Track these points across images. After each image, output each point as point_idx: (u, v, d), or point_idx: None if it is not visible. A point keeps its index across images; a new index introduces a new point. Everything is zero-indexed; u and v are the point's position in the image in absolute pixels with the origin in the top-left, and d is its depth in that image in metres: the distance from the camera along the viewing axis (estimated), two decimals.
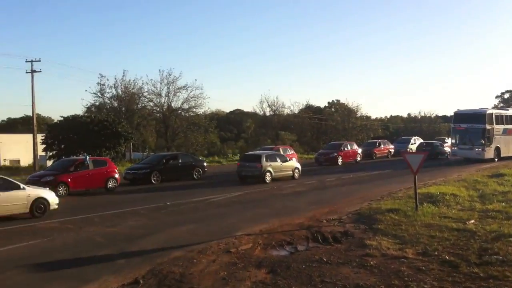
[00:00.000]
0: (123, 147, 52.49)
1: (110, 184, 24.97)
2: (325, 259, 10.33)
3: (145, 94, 64.31)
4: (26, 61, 49.23)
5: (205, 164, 33.50)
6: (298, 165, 30.69)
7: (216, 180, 30.20)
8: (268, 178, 27.49)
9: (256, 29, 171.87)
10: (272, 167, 27.94)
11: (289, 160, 30.51)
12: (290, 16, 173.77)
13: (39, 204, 17.19)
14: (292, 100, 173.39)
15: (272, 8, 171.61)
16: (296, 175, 29.50)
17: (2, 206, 16.32)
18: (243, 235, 13.08)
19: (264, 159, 27.78)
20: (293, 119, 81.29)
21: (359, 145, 48.26)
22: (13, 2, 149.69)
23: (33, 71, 48.81)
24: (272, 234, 13.28)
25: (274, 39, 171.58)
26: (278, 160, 29.01)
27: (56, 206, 17.75)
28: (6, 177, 17.85)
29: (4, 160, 61.49)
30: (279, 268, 9.76)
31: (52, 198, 17.78)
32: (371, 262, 9.95)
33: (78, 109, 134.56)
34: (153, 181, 28.56)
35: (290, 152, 39.62)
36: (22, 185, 17.41)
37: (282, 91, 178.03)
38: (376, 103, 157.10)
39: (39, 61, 49.50)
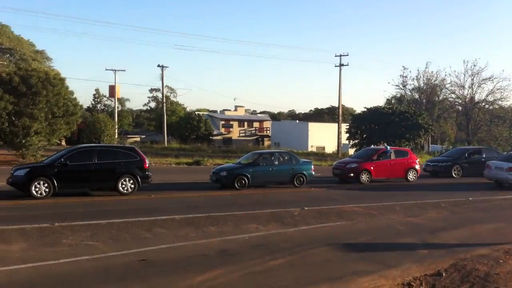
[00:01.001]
0: (423, 139, 52.18)
1: (410, 175, 25.18)
2: None
3: (447, 85, 62.82)
4: (335, 56, 52.75)
5: None
6: None
7: None
8: None
9: None
10: None
11: None
12: None
13: None
14: None
15: None
16: None
17: None
18: None
19: None
20: None
21: None
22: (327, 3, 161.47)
23: (341, 65, 51.97)
24: None
25: None
26: None
27: None
28: None
29: (312, 146, 67.11)
30: None
31: None
32: None
33: (379, 101, 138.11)
34: (453, 175, 27.88)
35: None
36: None
37: None
38: None
39: (347, 55, 52.53)
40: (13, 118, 29.98)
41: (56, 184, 16.85)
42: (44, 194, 16.70)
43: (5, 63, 52.05)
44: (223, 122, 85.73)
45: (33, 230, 11.66)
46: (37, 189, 16.64)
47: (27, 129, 30.00)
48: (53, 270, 8.64)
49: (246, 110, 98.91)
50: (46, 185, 16.75)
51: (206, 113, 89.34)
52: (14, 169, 17.92)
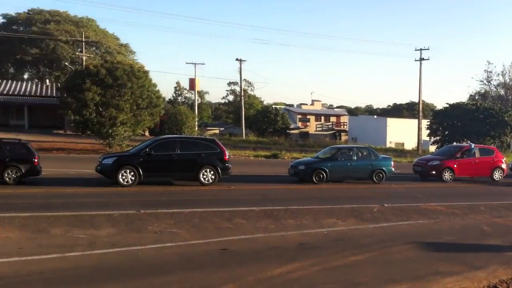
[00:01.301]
0: (509, 137, 49.87)
1: (496, 174, 24.24)
2: None
3: None
4: (415, 50, 51.35)
5: None
6: None
7: None
8: None
9: None
10: None
11: None
12: None
13: None
14: None
15: None
16: None
17: None
18: None
19: None
20: None
21: None
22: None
23: (421, 59, 50.52)
24: None
25: None
26: None
27: None
28: None
29: (390, 142, 65.68)
30: None
31: None
32: None
33: (462, 97, 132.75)
34: None
35: None
36: None
37: None
38: None
39: (428, 49, 50.96)
40: (100, 109, 31.41)
41: (141, 172, 17.55)
42: (130, 182, 17.43)
43: (92, 56, 54.58)
44: (300, 116, 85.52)
45: (120, 216, 12.23)
46: (123, 177, 17.40)
47: (113, 119, 31.32)
48: (140, 255, 9.05)
49: (322, 105, 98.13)
50: (132, 173, 17.48)
51: (283, 107, 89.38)
52: (102, 157, 18.84)
